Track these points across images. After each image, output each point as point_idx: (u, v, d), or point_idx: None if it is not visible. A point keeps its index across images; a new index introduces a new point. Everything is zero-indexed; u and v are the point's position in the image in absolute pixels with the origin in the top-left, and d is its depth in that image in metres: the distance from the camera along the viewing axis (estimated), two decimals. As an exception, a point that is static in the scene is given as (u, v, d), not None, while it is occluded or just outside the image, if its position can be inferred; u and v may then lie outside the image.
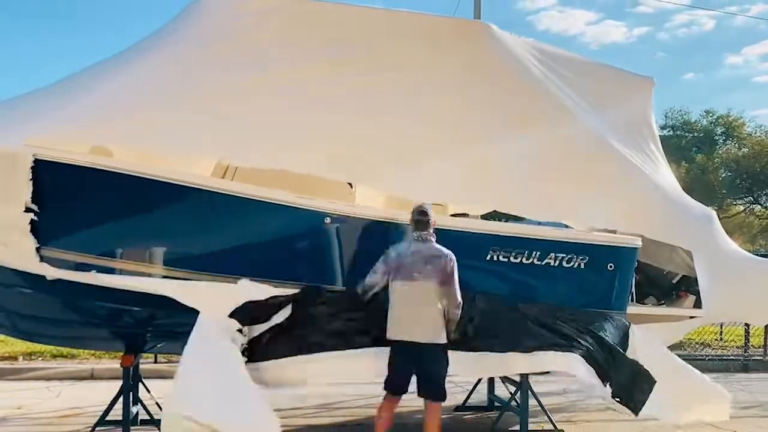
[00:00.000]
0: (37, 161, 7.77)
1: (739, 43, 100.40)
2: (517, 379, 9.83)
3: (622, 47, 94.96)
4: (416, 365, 7.99)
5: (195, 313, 8.71)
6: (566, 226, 9.99)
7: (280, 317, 8.28)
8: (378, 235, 8.75)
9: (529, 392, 9.72)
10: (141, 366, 10.12)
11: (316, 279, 8.63)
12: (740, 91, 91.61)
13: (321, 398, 12.09)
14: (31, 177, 7.77)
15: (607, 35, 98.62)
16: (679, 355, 15.53)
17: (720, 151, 63.07)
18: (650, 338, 9.39)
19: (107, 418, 9.10)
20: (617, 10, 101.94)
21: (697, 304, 10.41)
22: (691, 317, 10.42)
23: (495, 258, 8.96)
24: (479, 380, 11.46)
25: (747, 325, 16.33)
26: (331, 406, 11.53)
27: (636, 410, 8.86)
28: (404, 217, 8.72)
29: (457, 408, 11.30)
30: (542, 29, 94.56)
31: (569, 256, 9.13)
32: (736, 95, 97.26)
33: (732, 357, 16.68)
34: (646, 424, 10.39)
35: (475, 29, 10.18)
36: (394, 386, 8.07)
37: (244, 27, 9.31)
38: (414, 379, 8.05)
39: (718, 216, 11.09)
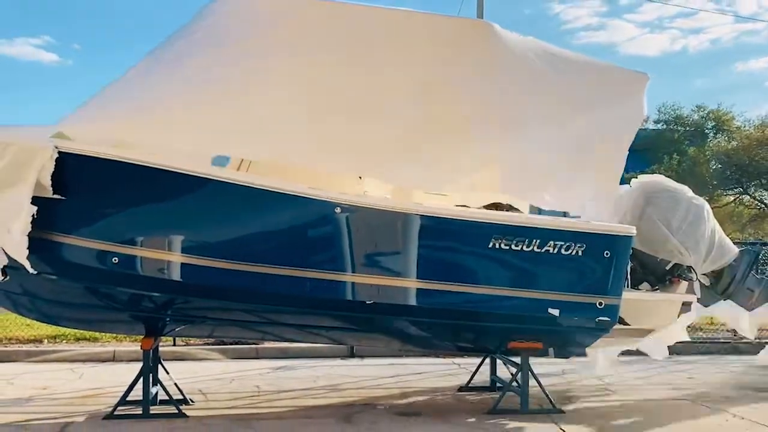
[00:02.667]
0: (61, 154, 7.80)
1: (759, 52, 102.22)
2: (518, 361, 9.85)
3: (655, 59, 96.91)
4: None
5: (209, 299, 8.80)
6: (564, 215, 10.01)
7: None
8: (385, 224, 8.82)
9: (530, 373, 9.76)
10: (160, 349, 10.15)
11: (327, 266, 8.68)
12: (752, 93, 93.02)
13: (330, 379, 12.15)
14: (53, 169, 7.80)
15: (644, 48, 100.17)
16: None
17: (711, 144, 63.14)
18: None
19: (128, 398, 9.13)
20: (655, 25, 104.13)
21: (690, 290, 10.43)
22: (684, 302, 10.45)
23: (497, 246, 8.98)
24: (482, 362, 11.49)
25: (737, 309, 16.31)
26: (339, 387, 11.56)
27: None
28: (411, 206, 8.82)
29: (461, 388, 11.32)
30: (583, 43, 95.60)
31: (567, 243, 9.14)
32: (748, 96, 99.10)
33: (722, 340, 16.66)
34: (638, 404, 10.42)
35: (479, 27, 10.14)
36: None
37: (258, 27, 9.32)
38: None
39: (710, 206, 11.07)
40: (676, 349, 15.45)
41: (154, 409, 9.28)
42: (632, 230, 9.50)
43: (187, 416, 9.24)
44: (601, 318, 9.36)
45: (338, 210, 8.60)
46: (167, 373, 9.94)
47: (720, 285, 10.54)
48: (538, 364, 10.43)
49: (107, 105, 8.68)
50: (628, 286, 10.17)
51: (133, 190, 8.37)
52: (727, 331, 17.19)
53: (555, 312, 9.17)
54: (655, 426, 9.28)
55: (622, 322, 9.74)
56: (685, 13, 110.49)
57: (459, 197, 10.80)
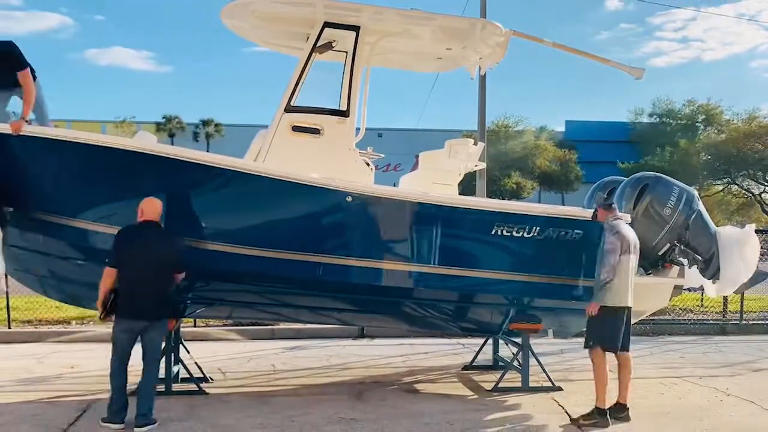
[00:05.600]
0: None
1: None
2: (519, 341, 9.85)
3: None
4: None
5: (228, 282, 8.82)
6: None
7: None
8: (394, 212, 8.85)
9: (530, 353, 9.76)
10: (181, 329, 10.16)
11: (338, 252, 8.69)
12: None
13: (342, 358, 12.16)
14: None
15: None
16: (662, 320, 15.65)
17: (701, 137, 63.18)
18: None
19: (151, 376, 9.17)
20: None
21: (681, 275, 10.41)
22: (675, 286, 10.45)
23: (499, 232, 8.98)
24: (485, 342, 11.49)
25: (726, 292, 16.31)
26: (350, 366, 11.57)
27: None
28: (417, 195, 8.84)
29: (465, 367, 11.32)
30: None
31: (566, 230, 9.14)
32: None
33: (711, 321, 16.63)
34: (635, 382, 10.40)
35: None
36: None
37: None
38: None
39: (700, 195, 11.02)
40: (667, 330, 15.50)
41: (176, 387, 9.33)
42: (627, 218, 9.47)
43: (207, 393, 9.27)
44: (597, 301, 9.36)
45: (349, 199, 8.62)
46: (188, 352, 9.97)
47: (710, 270, 10.50)
48: (537, 344, 10.42)
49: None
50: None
51: (156, 180, 8.39)
52: (717, 313, 17.19)
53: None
54: (648, 402, 9.29)
55: (617, 304, 9.73)
56: (714, 26, 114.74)
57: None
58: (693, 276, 10.55)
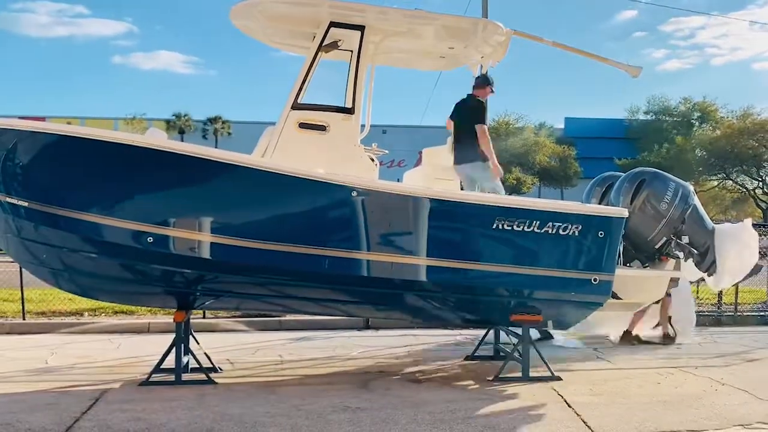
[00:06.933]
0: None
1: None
2: (520, 332, 9.85)
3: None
4: None
5: (236, 275, 8.82)
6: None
7: None
8: (398, 206, 8.86)
9: (530, 344, 9.75)
10: (191, 321, 10.16)
11: (344, 245, 8.70)
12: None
13: (347, 349, 12.18)
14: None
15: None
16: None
17: (696, 133, 63.26)
18: None
19: (161, 367, 9.17)
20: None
21: (677, 268, 10.42)
22: (672, 279, 10.46)
23: (500, 226, 8.98)
24: (486, 333, 11.49)
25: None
26: (355, 356, 11.57)
27: None
28: (421, 190, 8.85)
29: (467, 357, 11.30)
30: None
31: (565, 224, 9.15)
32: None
33: (706, 313, 16.60)
34: (629, 372, 10.41)
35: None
36: None
37: None
38: None
39: (695, 190, 11.02)
40: (664, 322, 15.49)
41: (186, 377, 9.31)
42: (624, 212, 9.49)
43: (216, 383, 9.27)
44: (596, 293, 9.37)
45: (354, 193, 8.63)
46: (197, 343, 9.97)
47: (705, 263, 10.51)
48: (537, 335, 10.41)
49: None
50: (620, 264, 10.15)
51: (167, 175, 8.42)
52: (712, 305, 17.17)
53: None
54: (645, 392, 9.26)
55: (614, 296, 9.73)
56: (725, 33, 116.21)
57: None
58: (692, 269, 10.56)
